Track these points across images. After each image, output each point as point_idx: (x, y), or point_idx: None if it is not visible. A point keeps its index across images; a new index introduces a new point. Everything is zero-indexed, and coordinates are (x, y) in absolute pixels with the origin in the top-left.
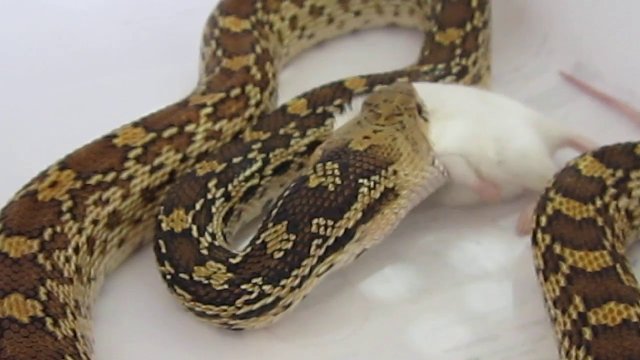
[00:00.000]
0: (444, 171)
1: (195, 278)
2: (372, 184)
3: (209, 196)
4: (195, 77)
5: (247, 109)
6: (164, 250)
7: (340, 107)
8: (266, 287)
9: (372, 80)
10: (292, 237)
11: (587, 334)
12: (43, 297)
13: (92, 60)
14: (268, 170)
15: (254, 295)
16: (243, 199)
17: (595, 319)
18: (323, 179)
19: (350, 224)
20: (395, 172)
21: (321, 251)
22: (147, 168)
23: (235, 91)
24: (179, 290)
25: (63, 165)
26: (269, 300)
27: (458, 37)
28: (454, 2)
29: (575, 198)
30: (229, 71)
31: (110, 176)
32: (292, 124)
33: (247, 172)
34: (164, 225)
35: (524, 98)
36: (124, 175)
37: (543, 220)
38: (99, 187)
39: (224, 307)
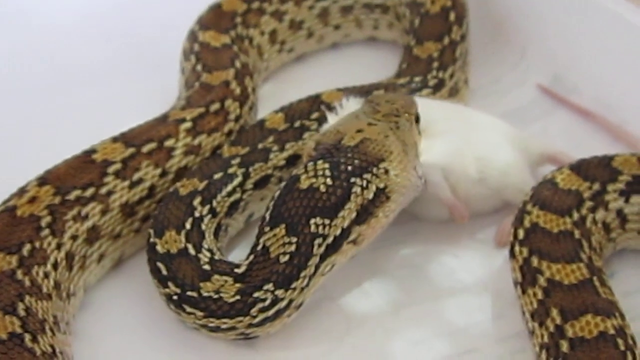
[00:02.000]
0: (422, 176)
1: (204, 294)
2: (364, 183)
3: (197, 214)
4: (175, 92)
5: (226, 124)
6: (165, 272)
7: (329, 108)
8: (279, 292)
9: (348, 93)
10: (294, 239)
11: (564, 346)
12: (22, 313)
13: (71, 75)
14: (249, 185)
15: (267, 302)
16: (228, 214)
17: (572, 331)
18: (314, 180)
19: (346, 223)
20: (386, 171)
21: (322, 249)
22: (126, 183)
23: (215, 106)
24: (189, 309)
25: (42, 180)
26: (283, 304)
27: (435, 51)
28: (432, 16)
29: (553, 211)
30: (208, 86)
31: (89, 191)
32: (271, 138)
33: (229, 188)
34: (159, 248)
35: (502, 111)
36: (103, 190)
37: (520, 233)
38: (78, 202)
39: (240, 319)
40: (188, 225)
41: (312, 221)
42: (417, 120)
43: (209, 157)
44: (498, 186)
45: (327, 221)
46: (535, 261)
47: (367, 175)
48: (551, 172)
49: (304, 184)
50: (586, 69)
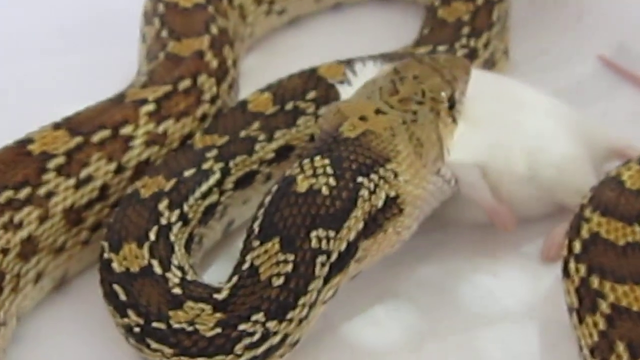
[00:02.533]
0: (450, 179)
1: (175, 325)
2: (372, 185)
3: (163, 221)
4: (134, 65)
5: (199, 106)
6: (123, 297)
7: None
8: (271, 324)
9: (352, 67)
10: (290, 257)
11: None
12: None
13: (3, 46)
14: (228, 184)
15: (256, 337)
16: (202, 221)
17: None
18: (313, 180)
19: (352, 236)
20: (395, 175)
21: (326, 270)
22: (72, 182)
23: (185, 83)
24: (155, 345)
25: None
26: (276, 339)
27: (466, 12)
28: None
29: (618, 218)
30: (176, 57)
31: (24, 192)
32: (256, 125)
33: (204, 187)
34: (115, 265)
35: (552, 89)
36: (42, 191)
37: (577, 246)
38: (9, 206)
39: (221, 358)
40: (152, 236)
41: (314, 234)
42: (453, 106)
43: (177, 149)
44: (552, 186)
45: (331, 233)
46: (595, 282)
47: (374, 176)
48: (616, 168)
49: (302, 186)
50: None
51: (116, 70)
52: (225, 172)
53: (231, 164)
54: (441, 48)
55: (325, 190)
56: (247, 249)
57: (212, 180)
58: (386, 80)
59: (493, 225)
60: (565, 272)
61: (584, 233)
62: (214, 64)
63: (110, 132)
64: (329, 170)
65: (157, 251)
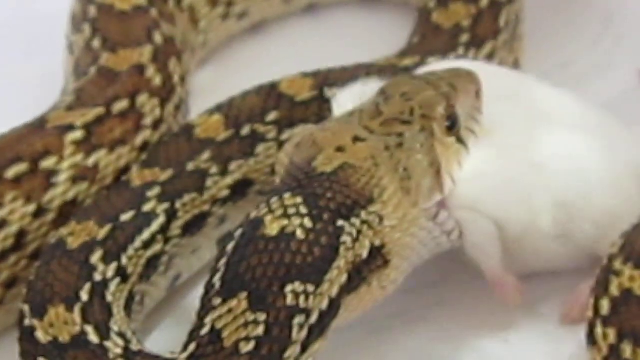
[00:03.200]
0: (451, 231)
1: None
2: (354, 231)
3: (97, 277)
4: (59, 82)
5: (139, 133)
6: None
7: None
8: None
9: (322, 80)
10: (262, 316)
11: None
12: None
13: None
14: (175, 230)
15: None
16: (144, 275)
17: None
18: (285, 222)
19: (334, 291)
20: (380, 219)
21: (304, 334)
22: None
23: (121, 104)
24: None
25: None
26: None
27: (467, 17)
28: None
29: None
30: (111, 73)
31: None
32: (206, 155)
33: (145, 235)
34: (40, 335)
35: None
36: None
37: (605, 305)
38: None
39: None
40: (85, 296)
41: (289, 288)
42: (454, 123)
43: (111, 187)
44: (589, 244)
45: (310, 287)
46: (628, 350)
47: (356, 220)
48: None
49: (272, 228)
50: None
51: (36, 88)
52: (171, 215)
53: (178, 204)
54: (431, 60)
55: (300, 234)
56: (206, 308)
57: (155, 225)
58: (370, 102)
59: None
60: (591, 338)
61: (614, 290)
62: (157, 80)
63: (28, 166)
64: (303, 209)
65: (92, 315)
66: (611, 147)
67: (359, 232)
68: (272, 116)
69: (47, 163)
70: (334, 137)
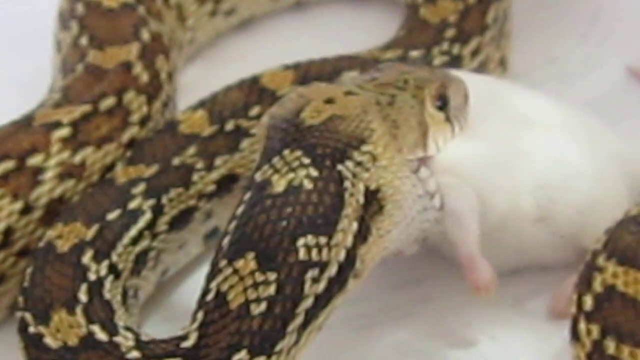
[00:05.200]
0: (434, 193)
1: None
2: (350, 175)
3: (91, 276)
4: (47, 79)
5: (126, 130)
6: None
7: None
8: None
9: (303, 73)
10: (272, 275)
11: None
12: None
13: None
14: (162, 225)
15: None
16: (134, 271)
17: None
18: (292, 175)
19: (349, 241)
20: (372, 157)
21: (321, 287)
22: None
23: (108, 101)
24: None
25: None
26: None
27: (454, 12)
28: None
29: (639, 267)
30: (98, 70)
31: None
32: (191, 150)
33: (133, 232)
34: (49, 341)
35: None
36: None
37: (588, 302)
38: None
39: None
40: (83, 297)
41: (301, 242)
42: (444, 104)
43: (96, 185)
44: (573, 231)
45: (322, 239)
46: (611, 346)
47: (349, 163)
48: (637, 206)
49: (279, 185)
50: None
51: (23, 86)
52: (158, 211)
53: (164, 199)
54: (414, 53)
55: (307, 184)
56: (212, 273)
57: (142, 222)
58: (363, 75)
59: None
60: (574, 334)
61: (597, 286)
62: (145, 77)
63: (15, 164)
64: (305, 160)
65: (95, 314)
66: (592, 141)
67: (354, 175)
68: (255, 111)
69: (34, 160)
70: (324, 90)
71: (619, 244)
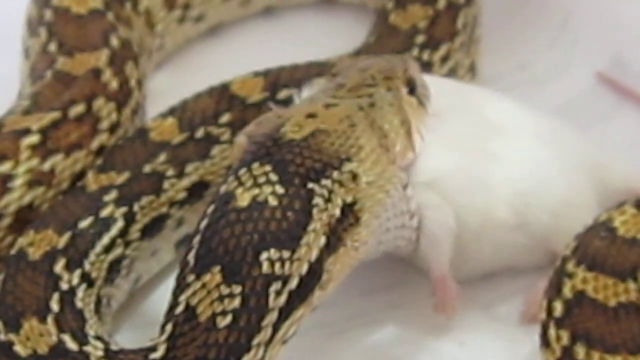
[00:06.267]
0: (413, 213)
1: None
2: (325, 192)
3: (64, 286)
4: (15, 86)
5: (95, 137)
6: None
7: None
8: None
9: (273, 79)
10: (237, 288)
11: None
12: None
13: None
14: (134, 233)
15: None
16: (108, 279)
17: None
18: (256, 191)
19: (314, 255)
20: (354, 176)
21: (282, 300)
22: None
23: (77, 108)
24: None
25: None
26: None
27: (424, 18)
28: None
29: (608, 272)
30: (67, 76)
31: None
32: (162, 157)
33: (105, 240)
34: (19, 349)
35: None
36: None
37: (558, 307)
38: None
39: None
40: (55, 306)
41: (264, 256)
42: (413, 87)
43: (67, 193)
44: (546, 234)
45: (286, 254)
46: (581, 352)
47: (327, 182)
48: (606, 212)
49: (243, 199)
50: None
51: None
52: (130, 219)
53: (136, 207)
54: None
55: (272, 201)
56: (180, 287)
57: (115, 230)
58: (327, 83)
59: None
60: (544, 340)
61: (567, 292)
62: (114, 84)
63: None
64: (273, 177)
65: (66, 323)
66: (561, 146)
67: (331, 191)
68: (225, 118)
69: (3, 167)
70: (302, 107)
71: (589, 250)
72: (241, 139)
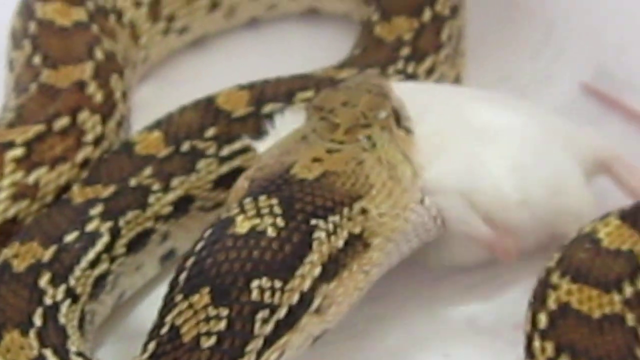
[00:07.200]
0: (436, 216)
1: None
2: (330, 227)
3: (48, 301)
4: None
5: (80, 150)
6: None
7: (263, 117)
8: None
9: (259, 94)
10: (224, 311)
11: None
12: None
13: None
14: (119, 248)
15: None
16: (93, 295)
17: None
18: (257, 221)
19: (307, 285)
20: (364, 212)
21: (269, 329)
22: None
23: (62, 121)
24: None
25: None
26: None
27: (409, 30)
28: None
29: (593, 284)
30: (52, 89)
31: None
32: (148, 171)
33: (91, 255)
34: None
35: None
36: None
37: (542, 319)
38: None
39: None
40: (38, 321)
41: (255, 283)
42: (399, 118)
43: (52, 205)
44: (547, 212)
45: (277, 283)
46: None
47: (335, 218)
48: (591, 223)
49: (242, 227)
50: None
51: None
52: (115, 234)
53: (121, 222)
54: (369, 72)
55: (271, 232)
56: (167, 306)
57: (100, 244)
58: (314, 121)
59: (437, 297)
60: (529, 351)
61: (551, 303)
62: (99, 97)
63: None
64: (277, 210)
65: (48, 338)
66: (541, 121)
67: (337, 226)
68: (210, 132)
69: None
70: (304, 151)
71: (573, 262)
72: (242, 182)
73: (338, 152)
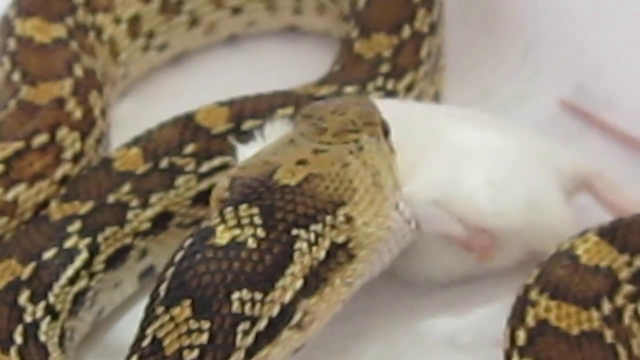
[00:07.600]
0: (410, 219)
1: None
2: (312, 236)
3: (27, 318)
4: None
5: (59, 167)
6: None
7: (243, 133)
8: None
9: (238, 110)
10: (206, 324)
11: None
12: None
13: None
14: (98, 264)
15: None
16: (72, 312)
17: None
18: (237, 232)
19: (287, 297)
20: (348, 219)
21: (249, 340)
22: None
23: (41, 138)
24: None
25: None
26: None
27: (388, 47)
28: None
29: (571, 301)
30: (31, 106)
31: None
32: (126, 187)
33: (70, 272)
34: None
35: None
36: None
37: (521, 336)
38: None
39: None
40: (19, 339)
41: (236, 295)
42: (387, 132)
43: (30, 222)
44: (522, 226)
45: (258, 295)
46: None
47: (317, 227)
48: (569, 240)
49: (223, 237)
50: (626, 72)
51: None
52: (94, 250)
53: (100, 238)
54: (349, 89)
55: (251, 243)
56: (148, 319)
57: (79, 261)
58: (302, 127)
59: (417, 316)
60: None
61: (530, 320)
62: (78, 114)
63: None
64: (257, 220)
65: (29, 356)
66: (519, 138)
67: (319, 235)
68: (189, 149)
69: None
70: (290, 154)
71: (552, 278)
72: (223, 181)
73: (324, 153)
